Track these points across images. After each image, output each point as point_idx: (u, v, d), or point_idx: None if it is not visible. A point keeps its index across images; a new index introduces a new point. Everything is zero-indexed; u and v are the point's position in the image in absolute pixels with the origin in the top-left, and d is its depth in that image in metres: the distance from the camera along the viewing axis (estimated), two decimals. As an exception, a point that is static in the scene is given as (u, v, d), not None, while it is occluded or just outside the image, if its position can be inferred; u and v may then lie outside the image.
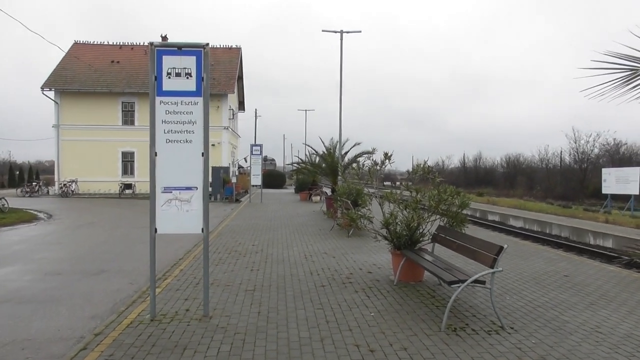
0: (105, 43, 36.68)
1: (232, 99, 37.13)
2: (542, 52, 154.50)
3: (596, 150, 44.66)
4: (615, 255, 12.43)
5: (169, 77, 5.34)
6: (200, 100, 5.44)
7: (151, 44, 5.29)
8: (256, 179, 27.57)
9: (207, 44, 5.36)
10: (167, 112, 5.41)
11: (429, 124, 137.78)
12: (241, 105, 44.35)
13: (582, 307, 6.02)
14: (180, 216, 5.51)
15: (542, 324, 5.35)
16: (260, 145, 28.12)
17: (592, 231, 15.73)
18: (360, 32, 22.64)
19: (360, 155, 19.43)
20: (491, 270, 5.27)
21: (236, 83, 36.73)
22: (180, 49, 5.35)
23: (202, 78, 5.40)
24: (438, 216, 7.59)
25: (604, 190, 26.32)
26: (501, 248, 5.26)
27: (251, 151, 27.92)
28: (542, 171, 50.99)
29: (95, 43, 36.56)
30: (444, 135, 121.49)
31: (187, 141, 5.46)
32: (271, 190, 41.46)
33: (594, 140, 44.03)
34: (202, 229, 5.53)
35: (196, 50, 5.37)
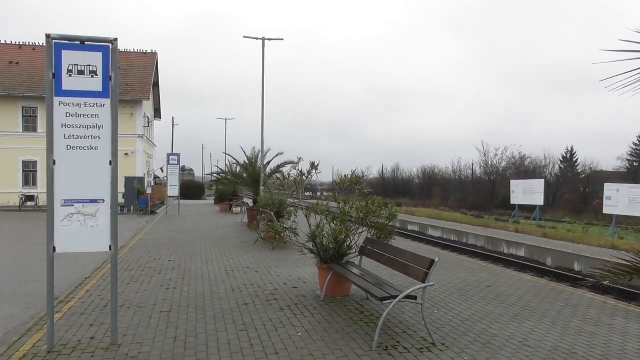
0: (2, 42, 33.32)
1: (148, 106, 35.45)
2: (455, 71, 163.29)
3: (504, 163, 47.50)
4: (549, 269, 12.99)
5: (70, 75, 4.69)
6: (107, 102, 4.84)
7: (48, 36, 4.62)
8: (173, 190, 26.57)
9: (116, 39, 4.78)
10: (68, 114, 4.75)
11: (348, 136, 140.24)
12: (157, 113, 42.52)
13: (507, 319, 6.04)
14: (84, 233, 4.87)
15: (472, 338, 5.26)
16: (178, 155, 27.16)
17: (506, 240, 16.46)
18: (282, 39, 22.38)
19: (283, 165, 19.11)
20: (423, 285, 5.10)
21: (152, 89, 35.12)
22: (83, 44, 4.72)
23: (110, 77, 4.81)
24: (365, 228, 7.41)
25: (513, 201, 27.88)
26: (432, 262, 5.12)
27: (168, 161, 26.86)
28: (456, 182, 53.37)
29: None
30: (363, 146, 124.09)
31: (92, 148, 4.83)
32: (190, 202, 40.00)
33: (502, 154, 46.80)
34: (110, 247, 4.91)
35: (102, 46, 4.77)
